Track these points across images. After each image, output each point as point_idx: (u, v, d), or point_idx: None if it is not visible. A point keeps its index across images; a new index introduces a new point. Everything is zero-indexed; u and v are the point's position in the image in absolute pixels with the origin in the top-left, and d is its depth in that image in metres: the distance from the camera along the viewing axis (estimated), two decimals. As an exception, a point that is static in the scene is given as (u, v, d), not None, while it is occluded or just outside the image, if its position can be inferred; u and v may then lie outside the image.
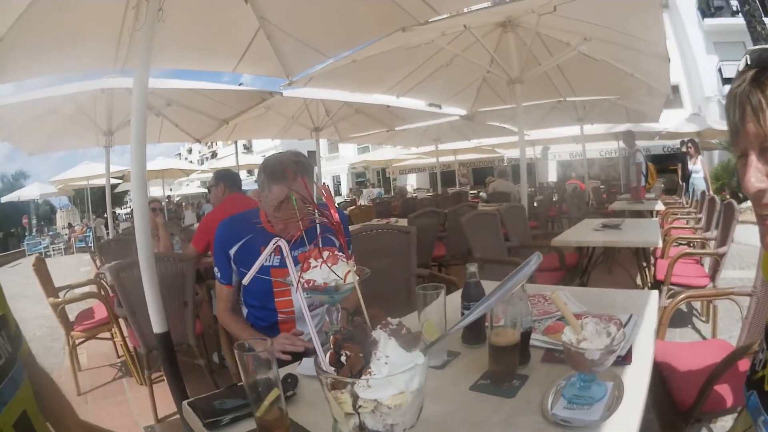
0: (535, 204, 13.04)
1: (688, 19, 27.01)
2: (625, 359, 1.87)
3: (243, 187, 6.19)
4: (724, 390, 2.57)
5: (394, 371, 1.12)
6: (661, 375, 2.86)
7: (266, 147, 41.74)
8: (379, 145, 26.09)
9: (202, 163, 60.68)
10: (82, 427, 1.89)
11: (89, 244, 26.41)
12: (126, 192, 34.23)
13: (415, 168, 34.19)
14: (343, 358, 1.16)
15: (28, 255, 29.14)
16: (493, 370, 1.85)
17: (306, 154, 2.76)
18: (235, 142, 18.09)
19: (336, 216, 1.46)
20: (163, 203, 14.79)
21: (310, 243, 1.94)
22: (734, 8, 24.93)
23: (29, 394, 1.54)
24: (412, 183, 39.60)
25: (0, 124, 8.91)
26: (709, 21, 26.67)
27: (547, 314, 2.47)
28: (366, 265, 1.88)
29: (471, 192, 22.54)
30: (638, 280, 6.99)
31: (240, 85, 12.40)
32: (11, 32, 4.68)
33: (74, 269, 18.50)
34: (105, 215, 19.11)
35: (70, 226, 39.99)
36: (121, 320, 5.37)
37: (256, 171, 3.05)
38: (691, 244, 7.00)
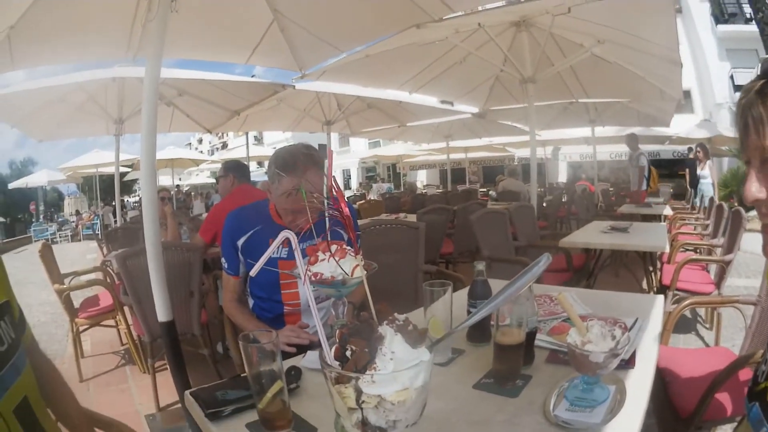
0: (545, 204, 13.00)
1: (701, 25, 26.91)
2: (628, 363, 1.87)
3: (252, 179, 6.19)
4: (725, 399, 2.56)
5: (399, 367, 1.11)
6: (663, 380, 2.85)
7: (277, 139, 41.76)
8: (390, 140, 26.15)
9: (213, 154, 60.76)
10: (83, 414, 1.90)
11: (96, 232, 26.42)
12: (135, 180, 34.42)
13: (425, 164, 34.23)
14: (348, 353, 1.16)
15: (35, 241, 29.25)
16: (497, 369, 1.85)
17: (317, 147, 2.76)
18: (246, 134, 18.05)
19: (346, 210, 1.46)
20: (172, 192, 14.78)
21: (319, 236, 1.93)
22: (748, 15, 24.84)
23: (31, 381, 1.54)
24: (422, 179, 39.50)
25: (10, 110, 8.93)
26: (722, 27, 26.55)
27: (552, 315, 2.47)
28: (374, 259, 1.88)
29: (481, 190, 22.50)
30: (644, 284, 6.98)
31: (252, 76, 12.40)
32: (23, 20, 4.69)
33: (81, 256, 18.54)
34: (113, 203, 19.16)
35: (77, 213, 40.07)
36: (126, 308, 5.39)
37: (266, 163, 3.05)
38: (698, 250, 6.99)
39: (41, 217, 44.56)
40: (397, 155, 31.71)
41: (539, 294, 2.76)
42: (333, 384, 1.17)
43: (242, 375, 1.78)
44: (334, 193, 1.51)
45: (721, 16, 26.90)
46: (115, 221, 15.14)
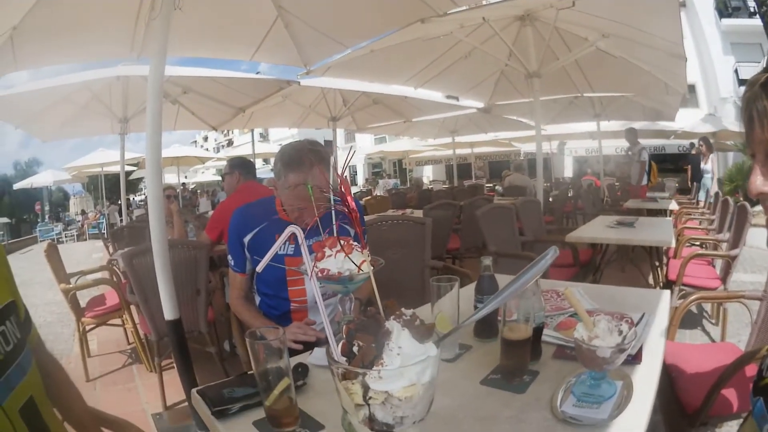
0: (551, 199, 13.00)
1: (705, 19, 26.83)
2: (635, 358, 1.86)
3: (258, 176, 6.19)
4: (731, 394, 2.56)
5: (406, 363, 1.11)
6: (670, 376, 2.85)
7: (283, 136, 41.77)
8: (396, 136, 26.10)
9: (218, 151, 60.78)
10: (90, 413, 1.91)
11: (102, 231, 26.48)
12: (140, 179, 34.45)
13: (431, 160, 34.30)
14: (355, 349, 1.16)
15: (41, 241, 29.27)
16: (504, 365, 1.85)
17: (323, 143, 2.76)
18: (252, 131, 18.09)
19: (353, 205, 1.46)
20: (177, 190, 14.81)
21: (325, 231, 1.94)
22: (752, 9, 24.81)
23: (37, 380, 1.55)
24: (428, 174, 39.54)
25: (15, 111, 8.97)
26: (726, 21, 26.46)
27: (559, 310, 2.47)
28: (380, 255, 1.88)
29: (487, 185, 22.49)
30: (650, 279, 6.97)
31: (257, 73, 12.41)
32: (26, 20, 4.70)
33: (86, 256, 18.59)
34: (119, 202, 19.21)
35: (83, 212, 40.11)
36: (132, 307, 5.39)
37: (272, 159, 3.05)
38: (704, 245, 6.97)
39: (47, 217, 44.72)
40: (403, 151, 31.77)
41: (546, 289, 2.75)
42: (340, 380, 1.17)
43: (249, 372, 1.77)
44: (341, 188, 1.51)
45: (725, 9, 26.80)
46: (121, 220, 15.13)
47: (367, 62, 8.41)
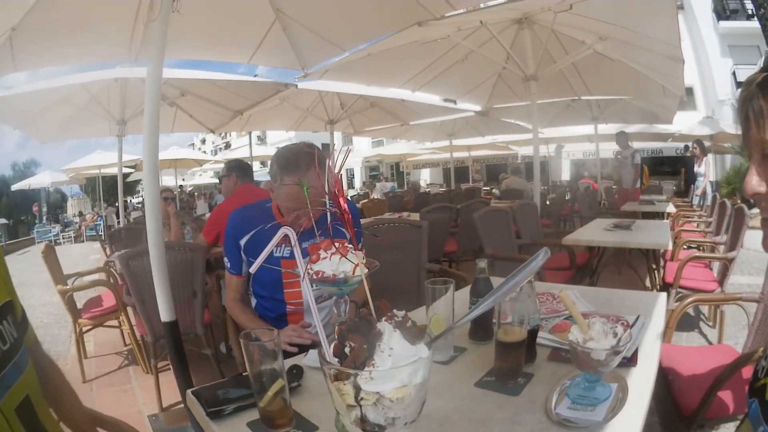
0: (548, 202, 13.04)
1: (703, 22, 26.84)
2: (630, 361, 1.87)
3: (255, 178, 6.20)
4: (727, 396, 2.57)
5: (397, 364, 1.11)
6: (666, 378, 2.85)
7: (280, 139, 41.84)
8: (393, 139, 26.21)
9: (216, 154, 60.90)
10: (86, 414, 1.91)
11: (99, 233, 26.50)
12: (138, 181, 34.40)
13: (428, 163, 34.37)
14: (347, 350, 1.16)
15: (38, 242, 29.29)
16: (498, 367, 1.85)
17: (320, 147, 2.76)
18: (249, 134, 18.11)
19: (345, 206, 1.46)
20: (175, 193, 14.82)
21: (320, 233, 1.94)
22: (750, 11, 24.82)
23: (33, 380, 1.55)
24: (425, 178, 39.60)
25: (13, 112, 8.97)
26: (724, 24, 26.47)
27: (555, 313, 2.47)
28: (377, 258, 1.88)
29: (484, 188, 22.52)
30: (647, 282, 6.98)
31: (255, 76, 12.42)
32: (25, 21, 4.70)
33: (84, 257, 18.56)
34: (116, 204, 19.20)
35: (80, 214, 40.16)
36: (129, 308, 5.39)
37: (269, 162, 3.06)
38: (701, 248, 6.98)
39: (44, 218, 44.72)
40: (401, 154, 31.78)
41: (541, 292, 2.76)
42: (332, 381, 1.17)
43: (244, 374, 1.78)
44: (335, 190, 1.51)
45: (722, 12, 26.82)
46: (119, 222, 15.17)
47: (365, 65, 8.42)
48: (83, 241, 30.12)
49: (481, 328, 2.22)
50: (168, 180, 26.93)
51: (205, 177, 43.87)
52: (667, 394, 2.77)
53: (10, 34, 4.88)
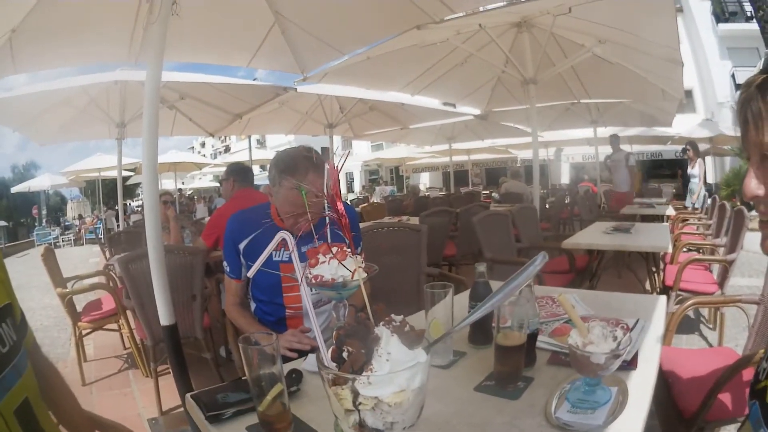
0: (547, 206, 13.01)
1: (702, 24, 26.82)
2: (630, 364, 1.86)
3: (255, 182, 6.19)
4: (727, 399, 2.56)
5: (395, 368, 1.11)
6: (666, 381, 2.85)
7: (280, 142, 41.78)
8: (392, 143, 26.23)
9: (215, 157, 60.89)
10: (85, 417, 1.91)
11: (99, 236, 26.50)
12: (138, 184, 34.43)
13: (428, 167, 34.38)
14: (345, 354, 1.16)
15: (37, 245, 29.25)
16: (498, 371, 1.84)
17: (320, 151, 2.76)
18: (249, 137, 18.11)
19: (342, 209, 1.46)
20: (174, 196, 14.84)
21: (318, 236, 1.93)
22: (748, 14, 24.81)
23: (32, 383, 1.55)
24: (425, 182, 39.64)
25: (12, 114, 8.98)
26: (723, 26, 26.45)
27: (554, 316, 2.47)
28: (376, 262, 1.87)
29: (484, 192, 22.54)
30: (647, 285, 6.98)
31: (254, 79, 12.43)
32: (25, 23, 4.71)
33: (83, 260, 18.56)
34: (116, 207, 19.21)
35: (80, 217, 40.14)
36: (128, 312, 5.39)
37: (268, 166, 3.05)
38: (701, 250, 6.98)
39: (44, 221, 44.73)
40: (400, 158, 31.80)
41: (541, 295, 2.76)
42: (330, 386, 1.17)
43: (243, 378, 1.77)
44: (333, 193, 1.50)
45: (721, 14, 26.81)
46: (118, 225, 15.16)
47: (364, 69, 8.43)
48: (83, 245, 30.11)
49: (481, 332, 2.22)
50: (168, 183, 26.96)
51: (205, 180, 43.86)
52: (667, 397, 2.77)
53: (10, 36, 4.89)
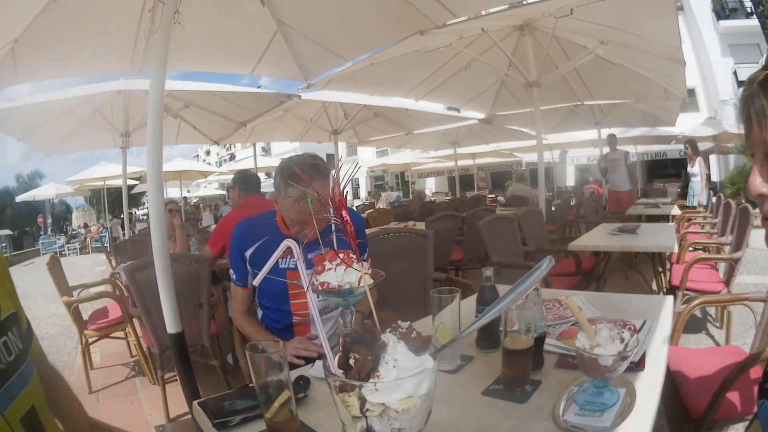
0: (553, 208, 12.99)
1: (702, 22, 26.78)
2: (638, 365, 1.86)
3: (261, 189, 6.20)
4: (735, 398, 2.55)
5: (402, 375, 1.11)
6: (674, 381, 2.84)
7: (285, 150, 41.85)
8: (397, 148, 26.21)
9: (220, 165, 60.94)
10: (92, 425, 1.90)
11: (105, 244, 26.52)
12: (143, 193, 34.41)
13: (433, 171, 34.31)
14: (351, 361, 1.16)
15: (43, 254, 29.33)
16: (506, 375, 1.84)
17: (325, 158, 2.76)
18: (254, 145, 18.15)
19: (347, 217, 1.46)
20: (179, 204, 14.86)
21: (325, 245, 1.93)
22: (749, 10, 24.80)
23: (38, 390, 1.55)
24: (430, 186, 39.55)
25: (16, 124, 9.00)
26: (723, 23, 26.39)
27: (561, 319, 2.46)
28: (383, 268, 1.87)
29: (489, 196, 22.61)
30: (654, 285, 6.97)
31: (258, 87, 12.46)
32: (27, 33, 4.72)
33: (89, 269, 18.61)
34: (121, 216, 19.24)
35: (85, 226, 40.27)
36: (135, 320, 5.40)
37: (273, 174, 3.05)
38: (707, 249, 6.97)
39: (49, 230, 44.84)
40: (405, 163, 31.87)
41: (548, 298, 2.75)
42: (337, 393, 1.17)
43: (250, 385, 1.77)
44: (337, 201, 1.50)
45: (722, 11, 26.76)
46: (124, 234, 15.20)
47: (368, 75, 8.44)
48: (88, 253, 30.21)
49: (488, 337, 2.22)
50: (173, 192, 27.05)
51: (210, 188, 43.94)
52: (675, 398, 2.76)
53: (13, 46, 4.90)
